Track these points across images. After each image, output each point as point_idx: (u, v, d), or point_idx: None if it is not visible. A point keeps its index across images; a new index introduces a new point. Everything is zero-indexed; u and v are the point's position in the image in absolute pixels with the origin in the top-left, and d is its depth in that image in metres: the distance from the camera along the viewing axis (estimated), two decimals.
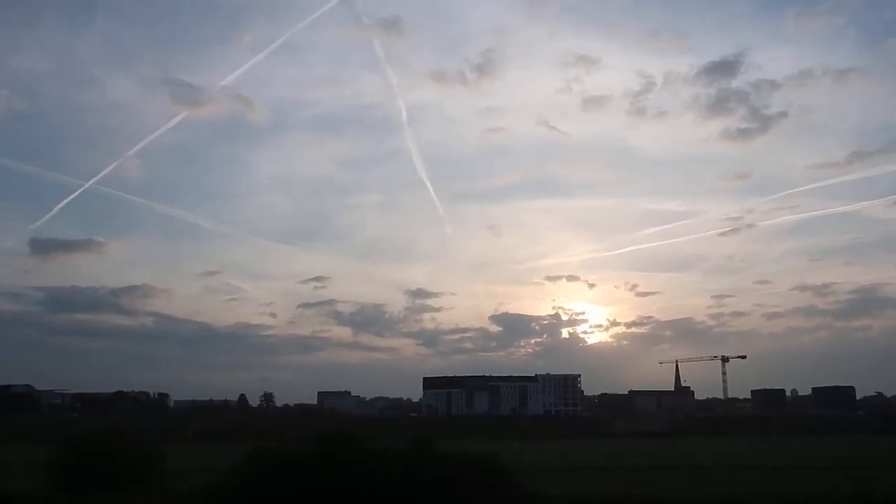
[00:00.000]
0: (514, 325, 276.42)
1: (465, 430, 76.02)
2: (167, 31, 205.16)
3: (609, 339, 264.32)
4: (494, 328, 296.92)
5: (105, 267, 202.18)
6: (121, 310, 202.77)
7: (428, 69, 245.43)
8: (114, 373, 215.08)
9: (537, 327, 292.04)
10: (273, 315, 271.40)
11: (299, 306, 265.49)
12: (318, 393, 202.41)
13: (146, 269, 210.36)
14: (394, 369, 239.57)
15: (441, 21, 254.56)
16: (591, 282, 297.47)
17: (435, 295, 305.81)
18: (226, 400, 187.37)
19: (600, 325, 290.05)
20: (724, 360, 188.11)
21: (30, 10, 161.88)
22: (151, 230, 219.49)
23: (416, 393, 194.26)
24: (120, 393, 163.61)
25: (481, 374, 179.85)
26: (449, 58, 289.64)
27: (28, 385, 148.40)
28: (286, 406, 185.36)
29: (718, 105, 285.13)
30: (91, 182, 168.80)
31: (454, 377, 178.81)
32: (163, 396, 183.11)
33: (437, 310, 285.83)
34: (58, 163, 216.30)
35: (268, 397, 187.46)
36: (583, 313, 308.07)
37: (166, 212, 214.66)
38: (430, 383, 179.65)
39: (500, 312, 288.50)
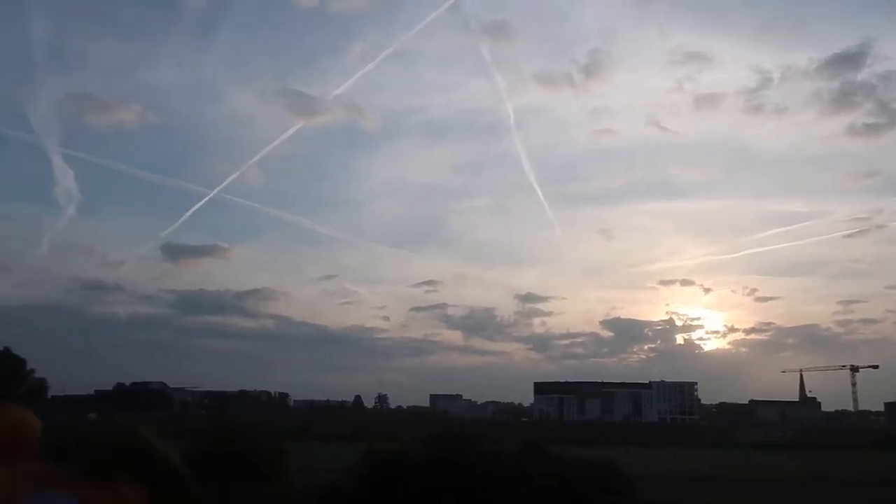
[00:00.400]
0: (626, 331, 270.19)
1: (578, 436, 75.14)
2: (283, 45, 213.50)
3: (727, 346, 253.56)
4: (606, 333, 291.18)
5: (229, 271, 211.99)
6: (244, 312, 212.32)
7: (535, 72, 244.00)
8: (238, 372, 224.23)
9: (650, 333, 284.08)
10: (386, 318, 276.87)
11: (411, 310, 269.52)
12: (431, 396, 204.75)
13: (267, 272, 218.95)
14: (504, 373, 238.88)
15: (547, 23, 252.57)
16: (706, 286, 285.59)
17: (545, 299, 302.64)
18: (342, 401, 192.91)
19: (717, 332, 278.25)
20: (854, 369, 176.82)
21: (160, 27, 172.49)
22: (271, 235, 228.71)
23: (527, 398, 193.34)
24: (243, 391, 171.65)
25: (593, 380, 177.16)
26: (556, 60, 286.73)
27: (162, 383, 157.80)
28: (399, 408, 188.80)
29: (843, 99, 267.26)
30: (216, 190, 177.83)
31: (566, 382, 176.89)
32: (283, 396, 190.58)
33: (548, 314, 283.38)
34: (186, 172, 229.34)
35: (382, 399, 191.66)
36: (698, 319, 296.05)
37: (285, 217, 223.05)
38: (541, 388, 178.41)
39: (612, 317, 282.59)
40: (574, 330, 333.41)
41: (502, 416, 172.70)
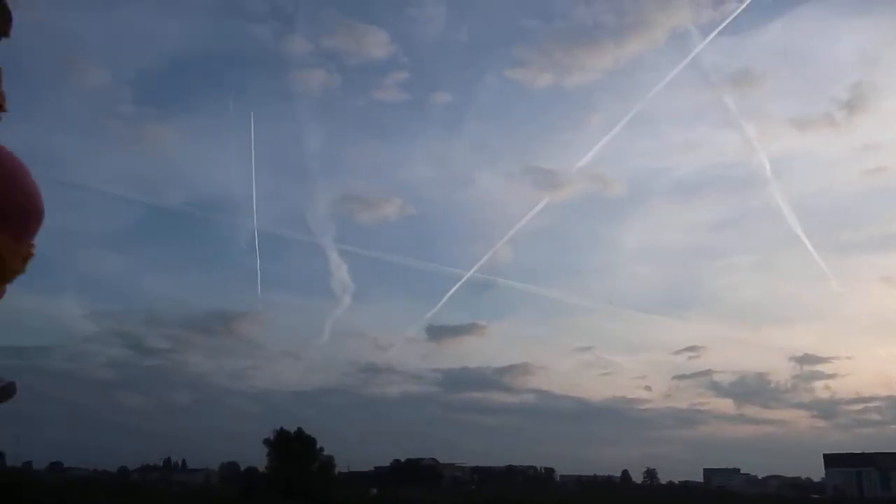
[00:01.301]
0: None
1: None
2: (524, 126, 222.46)
3: None
4: None
5: (488, 348, 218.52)
6: (505, 387, 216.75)
7: (788, 117, 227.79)
8: (504, 447, 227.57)
9: None
10: (648, 388, 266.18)
11: (674, 378, 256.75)
12: (704, 470, 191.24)
13: (524, 347, 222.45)
14: (786, 444, 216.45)
15: (795, 64, 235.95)
16: None
17: (826, 360, 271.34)
18: (609, 475, 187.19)
19: None
20: None
21: (414, 127, 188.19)
22: (525, 310, 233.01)
23: (816, 471, 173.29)
24: (510, 466, 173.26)
25: None
26: (810, 100, 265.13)
27: (433, 458, 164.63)
28: (670, 483, 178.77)
29: None
30: (471, 271, 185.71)
31: (862, 453, 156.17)
32: (549, 471, 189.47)
33: (831, 376, 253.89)
34: (443, 256, 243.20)
35: (651, 474, 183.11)
36: None
37: (538, 292, 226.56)
38: (832, 460, 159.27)
39: None
40: (866, 393, 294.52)
41: (789, 492, 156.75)
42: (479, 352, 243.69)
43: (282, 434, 73.43)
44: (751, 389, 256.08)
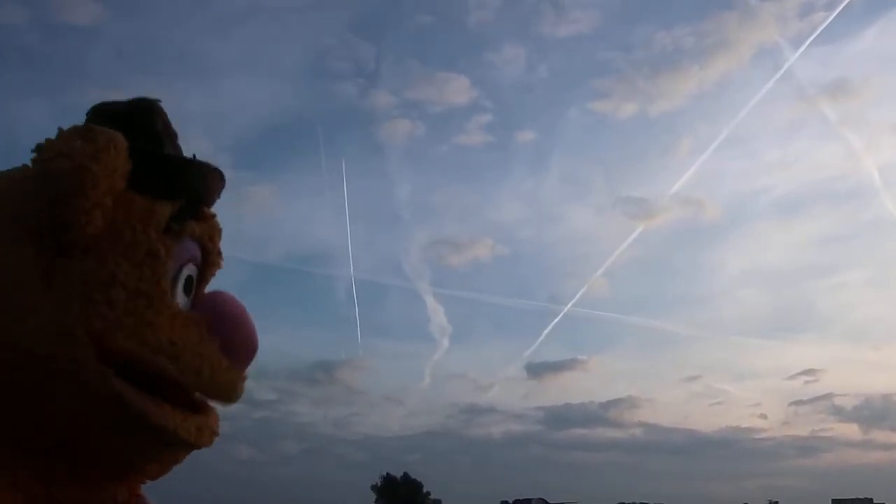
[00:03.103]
0: None
1: None
2: (611, 156, 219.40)
3: None
4: None
5: (590, 383, 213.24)
6: (610, 423, 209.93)
7: (891, 123, 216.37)
8: (613, 483, 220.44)
9: None
10: (763, 416, 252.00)
11: (791, 404, 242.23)
12: (832, 500, 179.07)
13: (628, 380, 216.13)
14: None
15: (892, 68, 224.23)
16: None
17: None
18: None
19: None
20: None
21: (500, 166, 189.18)
22: (626, 342, 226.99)
23: None
24: None
25: None
26: None
27: (542, 499, 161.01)
28: None
29: None
30: (568, 306, 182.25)
31: None
32: None
33: None
34: (539, 293, 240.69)
35: None
36: None
37: (637, 322, 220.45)
38: None
39: None
40: None
41: None
42: (582, 387, 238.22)
43: (388, 479, 73.45)
44: (877, 412, 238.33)
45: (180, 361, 0.98)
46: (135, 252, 1.01)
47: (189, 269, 1.15)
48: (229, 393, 1.13)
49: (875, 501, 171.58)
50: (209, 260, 1.22)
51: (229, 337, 1.11)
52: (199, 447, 1.09)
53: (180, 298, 1.10)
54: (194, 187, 1.17)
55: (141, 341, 0.94)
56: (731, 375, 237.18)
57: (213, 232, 1.23)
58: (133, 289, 0.97)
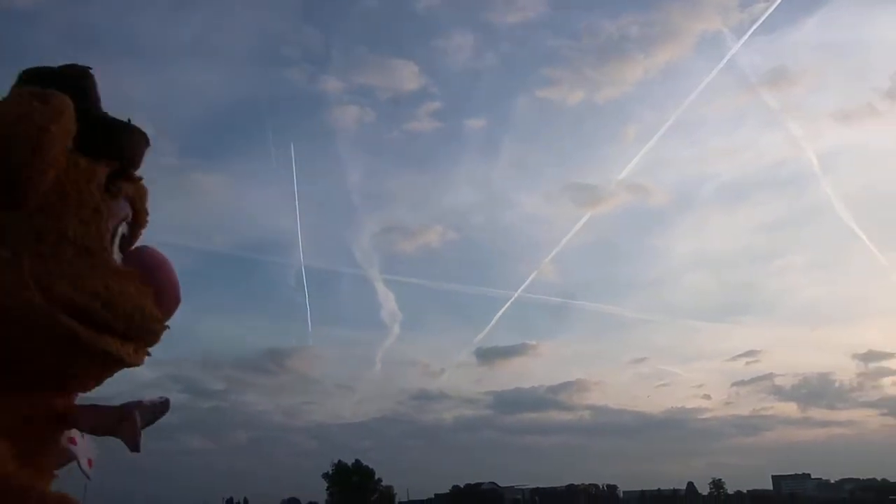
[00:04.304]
0: None
1: None
2: (559, 144, 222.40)
3: None
4: None
5: (540, 367, 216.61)
6: (560, 406, 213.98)
7: (830, 111, 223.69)
8: (563, 466, 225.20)
9: None
10: (707, 397, 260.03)
11: (734, 385, 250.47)
12: (773, 476, 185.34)
13: (577, 364, 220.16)
14: (858, 445, 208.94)
15: (831, 59, 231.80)
16: None
17: (892, 355, 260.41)
18: (674, 489, 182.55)
19: None
20: None
21: (451, 154, 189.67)
22: (576, 327, 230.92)
23: (893, 472, 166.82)
24: (571, 486, 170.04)
25: None
26: (851, 93, 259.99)
27: (493, 482, 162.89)
28: (738, 493, 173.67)
29: None
30: (518, 292, 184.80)
31: None
32: (611, 488, 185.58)
33: None
34: (489, 279, 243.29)
35: (717, 484, 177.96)
36: None
37: (587, 307, 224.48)
38: None
39: None
40: None
41: (865, 495, 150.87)
42: (532, 372, 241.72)
43: (340, 467, 73.39)
44: (815, 391, 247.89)
45: (116, 309, 1.08)
46: (82, 210, 1.10)
47: (123, 228, 1.26)
48: (154, 338, 1.24)
49: (812, 476, 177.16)
50: (138, 219, 1.33)
51: (159, 288, 1.22)
52: (136, 365, 1.22)
53: (116, 255, 1.21)
54: (129, 150, 1.26)
55: (82, 290, 1.04)
56: (676, 357, 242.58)
57: (143, 193, 1.33)
58: (80, 245, 1.08)
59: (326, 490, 74.30)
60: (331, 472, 73.46)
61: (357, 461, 74.80)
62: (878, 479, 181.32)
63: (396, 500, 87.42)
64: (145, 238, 1.37)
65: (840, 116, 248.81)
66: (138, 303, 1.14)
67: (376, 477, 74.67)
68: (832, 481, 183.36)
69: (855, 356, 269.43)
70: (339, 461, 74.94)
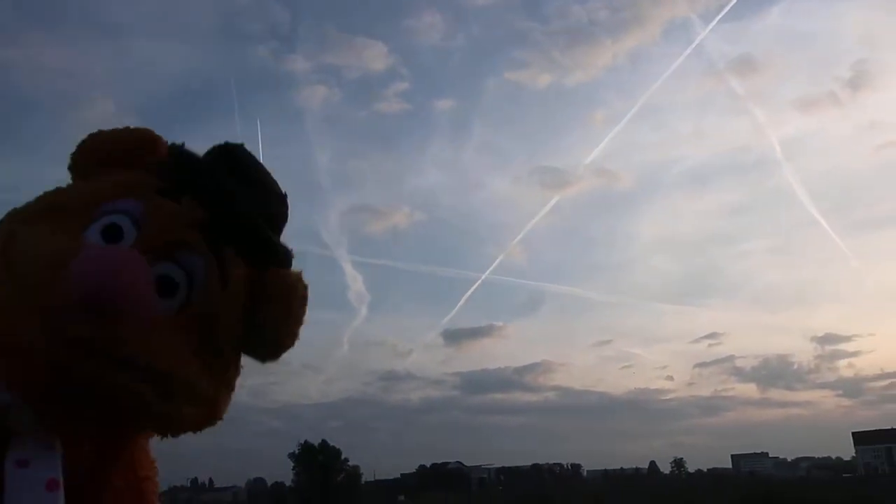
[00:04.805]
0: None
1: None
2: (527, 127, 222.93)
3: None
4: None
5: (506, 348, 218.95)
6: (525, 387, 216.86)
7: (793, 99, 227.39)
8: (528, 446, 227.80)
9: None
10: (670, 378, 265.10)
11: (696, 366, 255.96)
12: (732, 456, 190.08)
13: (543, 345, 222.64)
14: (814, 425, 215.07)
15: (796, 47, 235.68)
16: None
17: (848, 338, 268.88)
18: (636, 468, 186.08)
19: None
20: None
21: (420, 136, 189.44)
22: (542, 309, 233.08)
23: (846, 450, 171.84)
24: (536, 465, 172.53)
25: None
26: (814, 82, 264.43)
27: (459, 462, 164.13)
28: (699, 471, 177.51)
29: None
30: (486, 273, 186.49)
31: (892, 429, 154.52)
32: (575, 467, 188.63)
33: (854, 354, 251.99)
34: (457, 261, 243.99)
35: (679, 463, 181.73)
36: None
37: (553, 289, 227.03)
38: (861, 438, 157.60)
39: None
40: (891, 369, 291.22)
41: (819, 473, 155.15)
42: (498, 353, 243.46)
43: (306, 447, 73.26)
44: (774, 373, 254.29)
45: None
46: None
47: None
48: None
49: (770, 455, 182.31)
50: None
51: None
52: None
53: None
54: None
55: None
56: (640, 339, 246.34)
57: None
58: None
59: (293, 470, 74.12)
60: (297, 452, 73.21)
61: (323, 441, 74.65)
62: (833, 457, 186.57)
63: (363, 479, 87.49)
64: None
65: (803, 104, 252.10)
66: None
67: (343, 457, 74.61)
68: (789, 460, 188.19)
69: (813, 339, 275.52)
70: (306, 441, 74.71)
